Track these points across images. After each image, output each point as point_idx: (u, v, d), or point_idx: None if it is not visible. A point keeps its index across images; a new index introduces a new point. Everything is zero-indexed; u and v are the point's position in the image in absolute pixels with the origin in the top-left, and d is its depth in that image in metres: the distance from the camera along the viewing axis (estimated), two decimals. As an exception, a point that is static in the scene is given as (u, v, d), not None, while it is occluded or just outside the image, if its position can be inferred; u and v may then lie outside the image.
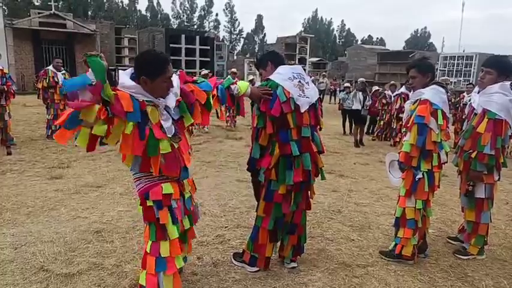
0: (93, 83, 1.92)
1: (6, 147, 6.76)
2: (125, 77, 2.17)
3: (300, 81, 2.87)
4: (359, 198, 5.10)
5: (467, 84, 10.89)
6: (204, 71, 10.95)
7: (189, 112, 2.44)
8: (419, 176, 3.10)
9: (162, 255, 2.29)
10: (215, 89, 2.62)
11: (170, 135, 2.26)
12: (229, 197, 4.88)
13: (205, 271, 3.04)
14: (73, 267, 3.00)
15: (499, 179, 3.36)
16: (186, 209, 2.54)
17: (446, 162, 3.23)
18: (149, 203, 2.27)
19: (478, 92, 3.40)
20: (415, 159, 3.09)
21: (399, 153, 3.23)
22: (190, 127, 2.43)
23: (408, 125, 3.15)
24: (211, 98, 2.55)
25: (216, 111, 2.67)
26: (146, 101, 2.16)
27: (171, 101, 2.30)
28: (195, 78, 2.66)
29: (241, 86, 2.76)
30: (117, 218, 4.04)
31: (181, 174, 2.37)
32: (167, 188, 2.29)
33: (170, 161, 2.26)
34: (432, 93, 3.08)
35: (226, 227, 3.92)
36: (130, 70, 2.26)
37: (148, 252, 2.30)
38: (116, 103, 2.02)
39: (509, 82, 3.22)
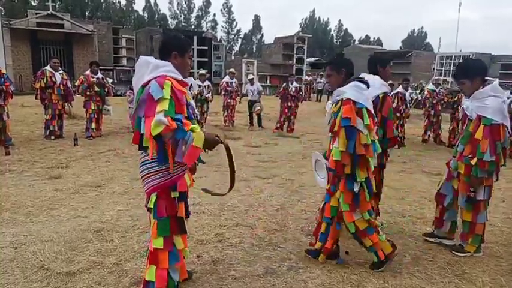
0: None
1: (5, 147, 6.76)
2: (152, 58, 2.29)
3: None
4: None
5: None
6: (202, 71, 10.95)
7: None
8: (356, 188, 2.91)
9: (177, 248, 2.31)
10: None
11: (197, 113, 2.36)
12: (228, 195, 4.85)
13: (205, 269, 3.06)
14: (73, 266, 3.01)
15: (497, 180, 3.38)
16: None
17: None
18: (175, 195, 2.27)
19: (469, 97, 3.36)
20: (347, 167, 2.88)
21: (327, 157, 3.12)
22: None
23: (335, 130, 2.93)
24: None
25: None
26: (183, 80, 2.27)
27: (191, 81, 2.43)
28: None
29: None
30: (117, 217, 4.05)
31: (199, 159, 2.40)
32: (187, 179, 2.35)
33: None
34: (353, 91, 2.88)
35: (225, 226, 3.94)
36: (150, 58, 2.32)
37: (162, 247, 2.27)
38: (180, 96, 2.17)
39: (496, 80, 3.23)
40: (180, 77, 2.28)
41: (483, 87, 3.24)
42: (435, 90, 9.95)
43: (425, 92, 10.05)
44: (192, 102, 2.35)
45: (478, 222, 3.38)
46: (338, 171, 2.93)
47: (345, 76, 3.01)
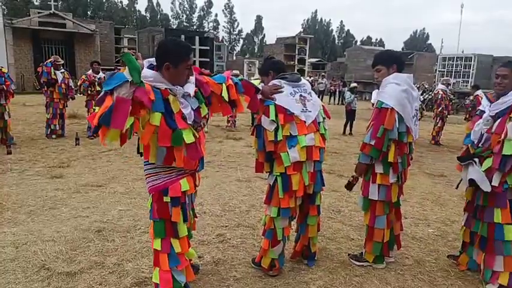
0: (130, 80, 1.88)
1: (7, 146, 6.77)
2: (145, 66, 2.18)
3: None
4: (358, 199, 5.09)
5: (472, 86, 11.13)
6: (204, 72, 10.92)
7: (205, 103, 2.44)
8: (270, 180, 2.91)
9: (173, 252, 2.31)
10: (229, 80, 2.62)
11: (191, 122, 2.25)
12: (230, 196, 4.89)
13: (206, 270, 3.05)
14: (74, 266, 3.01)
15: (397, 182, 3.04)
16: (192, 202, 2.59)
17: (316, 160, 2.89)
18: (166, 199, 2.26)
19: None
20: (266, 164, 2.92)
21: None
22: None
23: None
24: (225, 89, 2.54)
25: (234, 101, 2.62)
26: (167, 88, 2.16)
27: (190, 89, 2.30)
28: (208, 72, 2.69)
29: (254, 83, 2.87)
30: (118, 217, 4.05)
31: (199, 165, 2.40)
32: (185, 184, 2.30)
33: (191, 152, 2.25)
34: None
35: (226, 226, 3.92)
36: (146, 60, 2.26)
37: (160, 249, 2.29)
38: (143, 93, 1.99)
39: (406, 74, 3.04)
40: (165, 86, 2.15)
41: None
42: (446, 90, 10.03)
43: (440, 93, 10.03)
44: (186, 111, 2.23)
45: (376, 227, 3.08)
46: (257, 171, 3.00)
47: (272, 77, 3.02)
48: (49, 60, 8.14)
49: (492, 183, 2.81)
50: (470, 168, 2.93)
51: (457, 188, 3.22)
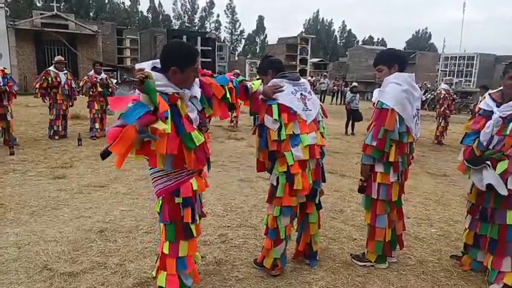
0: (152, 109, 1.86)
1: (9, 147, 6.78)
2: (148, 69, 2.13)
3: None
4: (361, 197, 5.08)
5: (480, 87, 11.07)
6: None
7: (208, 104, 2.43)
8: (272, 180, 2.90)
9: (181, 255, 2.28)
10: (231, 83, 2.62)
11: (196, 125, 2.24)
12: (232, 196, 4.89)
13: (208, 270, 3.05)
14: (77, 266, 3.01)
15: (398, 180, 3.03)
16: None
17: (317, 158, 2.91)
18: (178, 200, 2.24)
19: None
20: (268, 163, 2.93)
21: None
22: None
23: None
24: (227, 92, 2.54)
25: (233, 104, 2.64)
26: (174, 93, 2.12)
27: (197, 91, 2.28)
28: (210, 72, 2.68)
29: (254, 83, 2.87)
30: (120, 217, 4.05)
31: (206, 165, 2.41)
32: (195, 183, 2.29)
33: (199, 153, 2.26)
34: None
35: (229, 227, 3.92)
36: (151, 62, 2.22)
37: (167, 253, 2.27)
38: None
39: (407, 74, 3.02)
40: (172, 90, 2.11)
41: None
42: (449, 90, 10.01)
43: (443, 92, 9.99)
44: (193, 115, 2.23)
45: (377, 226, 3.07)
46: (259, 169, 3.00)
47: (271, 76, 3.00)
48: (38, 81, 8.10)
49: (508, 187, 2.76)
50: (485, 172, 2.85)
51: (470, 192, 3.14)
